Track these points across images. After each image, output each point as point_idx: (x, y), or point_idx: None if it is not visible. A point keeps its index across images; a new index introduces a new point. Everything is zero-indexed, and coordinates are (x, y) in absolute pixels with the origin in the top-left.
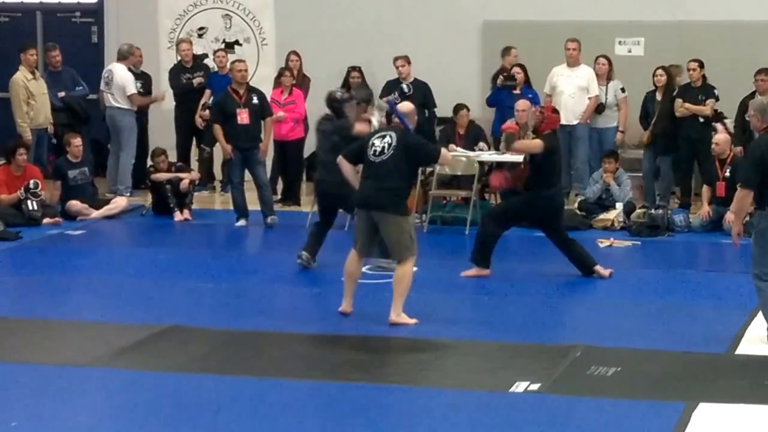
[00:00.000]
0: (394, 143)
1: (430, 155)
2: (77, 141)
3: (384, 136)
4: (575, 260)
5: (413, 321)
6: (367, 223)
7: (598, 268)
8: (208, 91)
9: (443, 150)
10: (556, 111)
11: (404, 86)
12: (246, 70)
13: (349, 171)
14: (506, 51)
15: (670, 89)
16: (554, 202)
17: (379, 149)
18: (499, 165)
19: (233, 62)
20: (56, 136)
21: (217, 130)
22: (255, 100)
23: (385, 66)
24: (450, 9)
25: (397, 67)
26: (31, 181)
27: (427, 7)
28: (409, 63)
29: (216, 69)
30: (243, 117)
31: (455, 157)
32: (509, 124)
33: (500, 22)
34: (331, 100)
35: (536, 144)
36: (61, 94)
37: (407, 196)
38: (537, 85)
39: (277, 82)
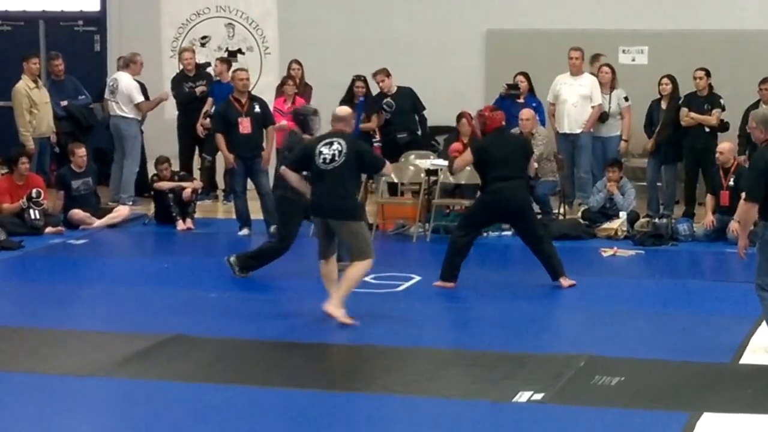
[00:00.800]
0: (344, 150)
1: (376, 165)
2: (81, 151)
3: (331, 143)
4: (544, 263)
5: (349, 320)
6: (324, 229)
7: (562, 281)
8: (210, 100)
9: (388, 163)
10: (495, 109)
11: (385, 105)
12: (247, 79)
13: (295, 179)
14: (595, 58)
15: (676, 98)
16: (501, 196)
17: (329, 157)
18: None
19: (235, 71)
20: (59, 145)
21: (219, 139)
22: (257, 109)
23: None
24: (453, 18)
25: (377, 82)
26: (34, 190)
27: (430, 15)
28: (388, 76)
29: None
30: (245, 126)
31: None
32: (455, 146)
33: (503, 31)
34: (296, 114)
35: (468, 156)
36: (64, 103)
37: (358, 199)
38: (540, 94)
39: (280, 91)
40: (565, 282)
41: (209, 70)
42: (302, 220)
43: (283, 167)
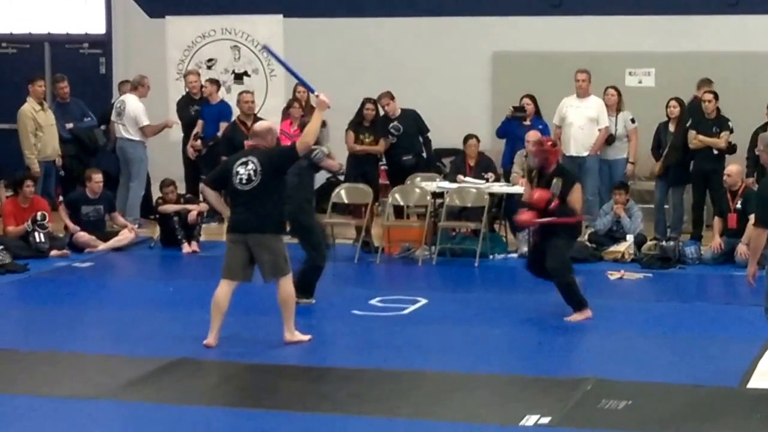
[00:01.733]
0: (259, 168)
1: (289, 155)
2: (98, 177)
3: (246, 163)
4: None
5: (307, 337)
6: (240, 250)
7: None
8: (200, 122)
9: (297, 141)
10: (554, 144)
11: (392, 129)
12: (253, 102)
13: (213, 197)
14: (704, 83)
15: (683, 120)
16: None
17: (245, 177)
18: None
19: (240, 94)
20: (64, 168)
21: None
22: None
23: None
24: (460, 40)
25: (382, 106)
26: (39, 213)
27: (437, 38)
28: (393, 99)
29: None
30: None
31: (465, 189)
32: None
33: (510, 53)
34: (304, 126)
35: (580, 193)
36: (69, 125)
37: (283, 215)
38: (547, 116)
39: (286, 114)
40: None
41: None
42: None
43: (201, 184)
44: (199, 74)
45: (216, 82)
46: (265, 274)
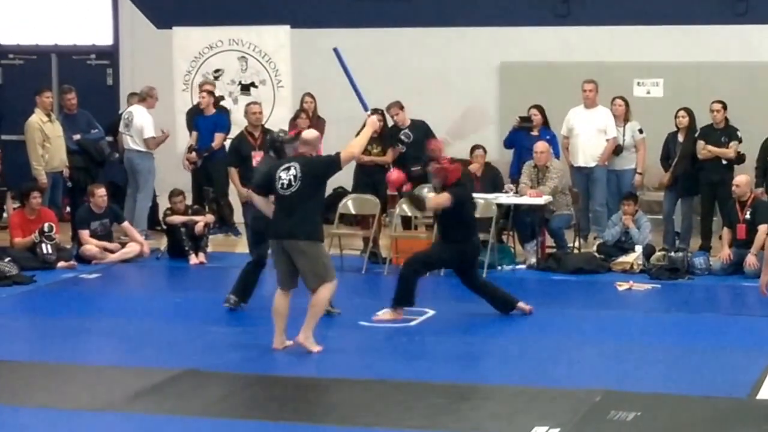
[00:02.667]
0: (299, 174)
1: (332, 165)
2: (101, 191)
3: (288, 168)
4: (495, 301)
5: (317, 348)
6: (282, 254)
7: (521, 304)
8: (195, 134)
9: (342, 152)
10: (453, 161)
11: (403, 136)
12: (260, 113)
13: (262, 202)
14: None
15: (692, 130)
16: (466, 255)
17: (286, 182)
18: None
19: (247, 105)
20: (72, 179)
21: (233, 173)
22: None
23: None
24: (467, 50)
25: (391, 116)
26: (46, 225)
27: (445, 48)
28: (402, 109)
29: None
30: (258, 159)
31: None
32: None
33: (518, 64)
34: (273, 141)
35: (445, 197)
36: (77, 137)
37: (321, 221)
38: (554, 126)
39: (293, 124)
40: (525, 306)
41: (225, 104)
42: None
43: (248, 190)
44: (214, 85)
45: (212, 93)
46: (306, 282)
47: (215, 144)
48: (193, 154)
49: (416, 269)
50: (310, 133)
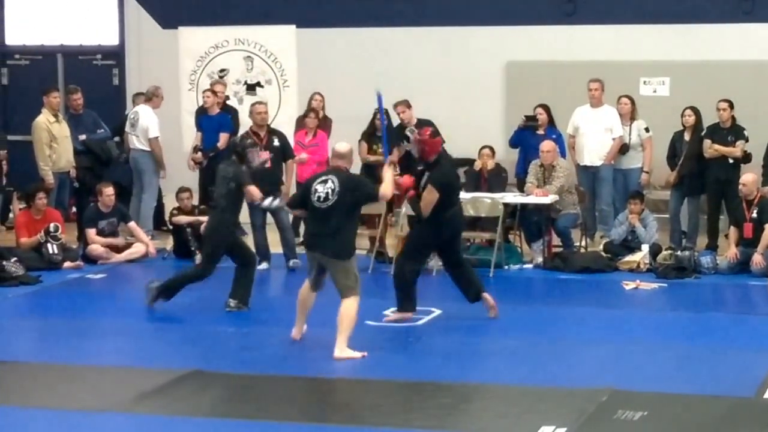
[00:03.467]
0: (337, 188)
1: (369, 198)
2: (109, 190)
3: (325, 181)
4: (465, 286)
5: (360, 354)
6: (315, 263)
7: (486, 295)
8: (198, 134)
9: (381, 189)
10: (434, 134)
11: (408, 132)
12: (266, 113)
13: (300, 214)
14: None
15: (699, 129)
16: (441, 229)
17: (323, 195)
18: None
19: (253, 104)
20: (77, 179)
21: None
22: (276, 143)
23: None
24: (473, 49)
25: (398, 114)
26: (51, 225)
27: (451, 47)
28: (409, 107)
29: (214, 111)
30: (264, 159)
31: (479, 199)
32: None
33: (524, 62)
34: (235, 146)
35: (433, 196)
36: (82, 137)
37: (353, 237)
38: (560, 125)
39: (301, 124)
40: (490, 300)
41: (231, 103)
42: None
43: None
44: (225, 85)
45: (216, 94)
46: (336, 286)
47: (220, 144)
48: (199, 154)
49: (407, 272)
50: (343, 146)
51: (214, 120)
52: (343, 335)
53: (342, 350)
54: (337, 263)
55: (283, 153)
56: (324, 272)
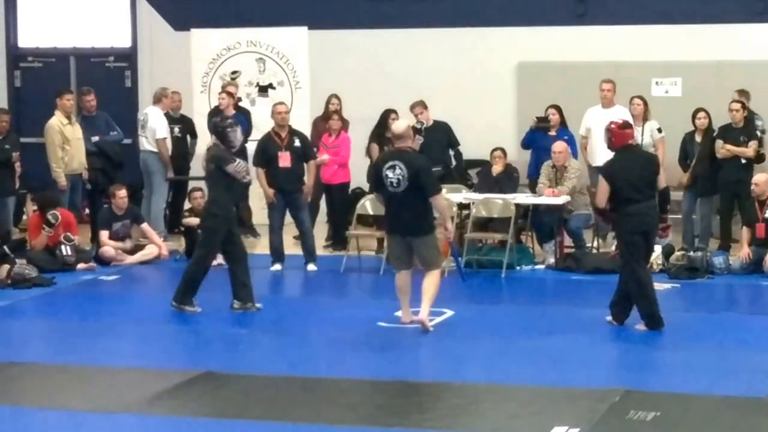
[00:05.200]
0: (405, 174)
1: (429, 190)
2: (122, 192)
3: (394, 167)
4: None
5: (430, 329)
6: (402, 246)
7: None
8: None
9: (439, 196)
10: (625, 125)
11: (416, 124)
12: (287, 113)
13: (380, 199)
14: (742, 93)
15: (710, 131)
16: (639, 218)
17: (395, 181)
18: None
19: (274, 105)
20: (90, 181)
21: (259, 174)
22: (297, 143)
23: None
24: (485, 50)
25: (415, 115)
26: (62, 236)
27: (462, 48)
28: (426, 108)
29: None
30: (285, 160)
31: (491, 200)
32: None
33: (535, 63)
34: (215, 127)
35: (603, 186)
36: (95, 138)
37: (431, 210)
38: (572, 126)
39: (319, 126)
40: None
41: (243, 105)
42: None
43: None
44: (236, 87)
45: (231, 95)
46: (421, 262)
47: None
48: None
49: (637, 275)
50: (399, 126)
51: None
52: (427, 303)
53: (425, 316)
54: (424, 239)
55: (304, 154)
56: (411, 253)
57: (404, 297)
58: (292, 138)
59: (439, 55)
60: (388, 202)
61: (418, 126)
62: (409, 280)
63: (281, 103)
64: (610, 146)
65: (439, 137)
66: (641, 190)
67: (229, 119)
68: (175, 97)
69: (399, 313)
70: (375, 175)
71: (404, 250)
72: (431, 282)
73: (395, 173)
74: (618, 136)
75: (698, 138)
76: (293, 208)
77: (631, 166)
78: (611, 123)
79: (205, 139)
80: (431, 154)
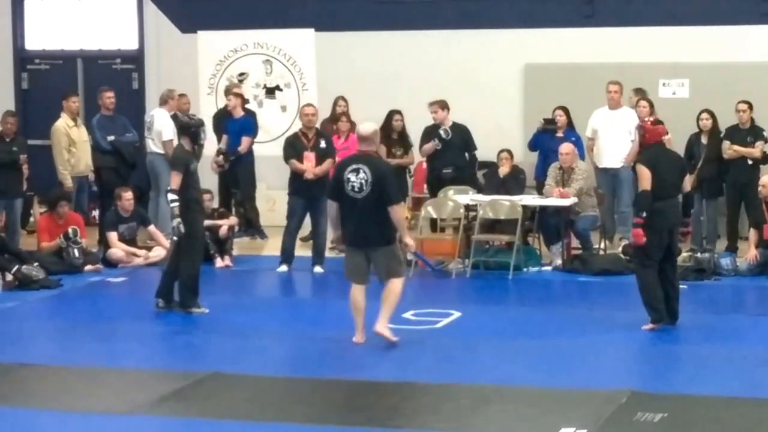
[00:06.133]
0: (369, 179)
1: (389, 199)
2: (128, 195)
3: (357, 171)
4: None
5: (395, 339)
6: (360, 258)
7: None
8: (225, 137)
9: (399, 207)
10: (657, 122)
11: (442, 132)
12: (314, 114)
13: (334, 209)
14: (636, 92)
15: (716, 132)
16: (666, 215)
17: (357, 186)
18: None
19: (302, 106)
20: (100, 180)
21: (293, 163)
22: (323, 144)
23: (426, 109)
24: (492, 52)
25: (431, 113)
26: (70, 229)
27: (469, 50)
28: (443, 108)
29: (238, 113)
30: (309, 160)
31: (498, 202)
32: None
33: (542, 65)
34: (187, 127)
35: (645, 173)
36: (111, 138)
37: (390, 219)
38: (579, 127)
39: (327, 128)
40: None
41: (250, 107)
42: None
43: (329, 201)
44: (242, 89)
45: (240, 96)
46: (379, 276)
47: (242, 148)
48: (221, 157)
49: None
50: (365, 129)
51: (238, 123)
52: (387, 312)
53: (384, 326)
54: (385, 250)
55: (327, 154)
56: (369, 265)
57: (359, 315)
58: (318, 139)
59: (445, 57)
60: (345, 211)
61: (443, 134)
62: (364, 297)
63: (309, 104)
64: (643, 143)
65: (456, 140)
66: (671, 187)
67: (196, 118)
68: (182, 99)
69: (354, 339)
70: (334, 180)
71: (362, 262)
72: (393, 290)
73: (358, 177)
74: (651, 132)
75: (704, 140)
76: (315, 213)
77: (665, 162)
78: (643, 120)
79: (211, 141)
80: (445, 156)
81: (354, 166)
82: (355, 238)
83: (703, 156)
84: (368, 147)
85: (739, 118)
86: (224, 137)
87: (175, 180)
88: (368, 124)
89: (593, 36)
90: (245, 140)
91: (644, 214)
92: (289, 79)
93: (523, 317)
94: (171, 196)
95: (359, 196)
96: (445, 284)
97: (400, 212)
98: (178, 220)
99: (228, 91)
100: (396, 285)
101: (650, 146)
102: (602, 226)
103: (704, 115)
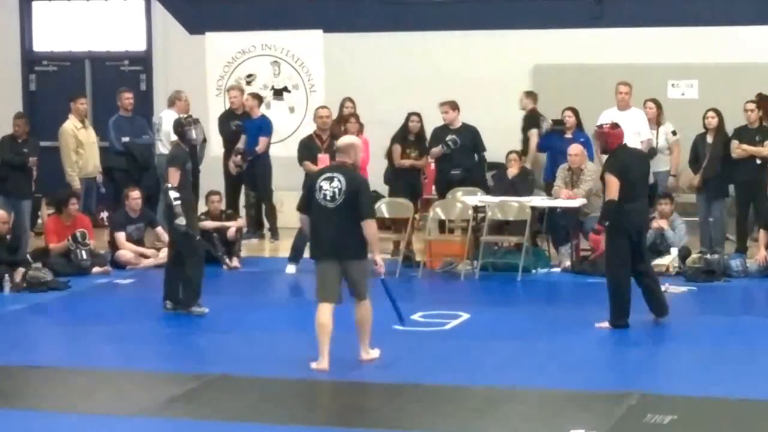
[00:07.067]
0: (343, 188)
1: (360, 213)
2: (135, 194)
3: (331, 179)
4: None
5: (378, 352)
6: (333, 271)
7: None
8: (243, 137)
9: (372, 222)
10: (615, 126)
11: (450, 141)
12: (328, 117)
13: (305, 222)
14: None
15: (722, 132)
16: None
17: (330, 194)
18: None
19: (317, 109)
20: (112, 180)
21: (307, 165)
22: None
23: (435, 110)
24: (501, 53)
25: (441, 113)
26: (78, 232)
27: (478, 51)
28: (453, 109)
29: (255, 114)
30: (324, 162)
31: (507, 203)
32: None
33: (551, 66)
34: (176, 125)
35: (612, 181)
36: (125, 139)
37: (364, 238)
38: (588, 128)
39: (338, 128)
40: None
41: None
42: None
43: (301, 216)
44: (242, 90)
45: (258, 97)
46: (351, 290)
47: (259, 148)
48: (238, 157)
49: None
50: (343, 141)
51: (255, 123)
52: (366, 338)
53: (368, 353)
54: (358, 263)
55: None
56: (341, 280)
57: (325, 337)
58: (332, 141)
59: (454, 58)
60: (317, 221)
61: (450, 144)
62: (331, 318)
63: (324, 107)
64: (606, 149)
65: (466, 141)
66: (641, 188)
67: (187, 117)
68: (182, 98)
69: (314, 364)
70: (306, 189)
71: (335, 276)
72: (365, 316)
73: (332, 185)
74: (613, 137)
75: (709, 138)
76: None
77: (633, 164)
78: (601, 126)
79: (218, 142)
80: (454, 157)
81: (328, 174)
82: (325, 249)
83: (708, 155)
84: (344, 158)
85: (748, 117)
86: (242, 137)
87: (174, 176)
88: (349, 137)
89: (602, 37)
90: (263, 141)
91: (606, 223)
92: (297, 81)
93: (532, 319)
94: (173, 194)
95: (331, 205)
96: (453, 286)
97: (372, 227)
98: (182, 218)
99: (230, 90)
100: (366, 310)
101: (615, 151)
102: None
103: (710, 114)
